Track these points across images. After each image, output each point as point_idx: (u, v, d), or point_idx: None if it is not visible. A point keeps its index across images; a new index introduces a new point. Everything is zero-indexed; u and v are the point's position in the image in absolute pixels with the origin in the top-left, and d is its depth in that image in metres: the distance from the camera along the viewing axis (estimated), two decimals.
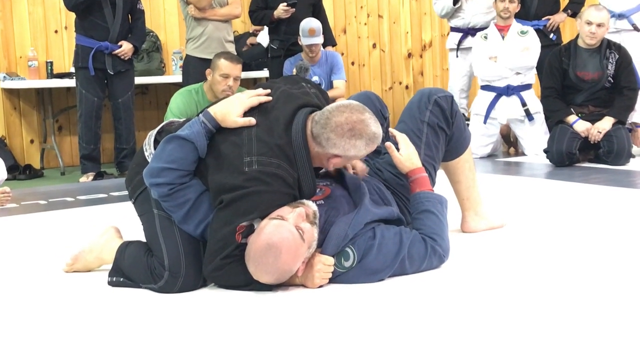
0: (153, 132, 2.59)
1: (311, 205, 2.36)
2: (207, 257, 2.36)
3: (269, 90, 2.48)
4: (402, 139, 2.68)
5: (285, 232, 2.23)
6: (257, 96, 2.45)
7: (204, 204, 2.40)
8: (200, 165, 2.41)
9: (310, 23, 5.74)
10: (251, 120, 2.39)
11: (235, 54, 5.89)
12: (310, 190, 2.42)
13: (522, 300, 2.19)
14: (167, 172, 2.37)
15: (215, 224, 2.34)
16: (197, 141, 2.37)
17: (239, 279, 2.34)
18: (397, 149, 2.65)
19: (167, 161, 2.37)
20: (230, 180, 2.31)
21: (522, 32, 5.79)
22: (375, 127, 2.39)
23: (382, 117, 2.83)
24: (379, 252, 2.40)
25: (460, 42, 6.62)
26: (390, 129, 2.75)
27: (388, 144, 2.64)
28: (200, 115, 2.43)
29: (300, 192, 2.38)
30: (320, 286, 2.38)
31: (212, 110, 2.43)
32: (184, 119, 2.63)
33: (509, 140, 6.19)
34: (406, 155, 2.63)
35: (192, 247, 2.42)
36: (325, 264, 2.36)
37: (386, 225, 2.47)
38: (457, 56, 6.70)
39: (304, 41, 5.73)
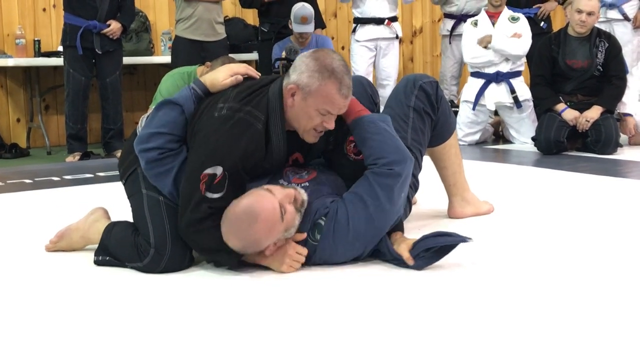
0: (146, 115, 2.61)
1: (302, 194, 2.35)
2: (180, 212, 2.36)
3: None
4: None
5: (267, 203, 2.23)
6: (246, 69, 2.53)
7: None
8: (188, 130, 2.45)
9: (303, 10, 5.59)
10: (238, 78, 2.48)
11: (225, 35, 5.86)
12: (279, 143, 2.40)
13: (507, 286, 2.20)
14: (156, 136, 2.41)
15: (183, 177, 2.36)
16: (185, 104, 2.44)
17: (210, 243, 2.32)
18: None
19: (157, 126, 2.43)
20: (198, 124, 2.38)
21: (513, 19, 5.76)
22: (338, 66, 2.34)
23: (373, 102, 2.83)
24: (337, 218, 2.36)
25: (453, 28, 6.61)
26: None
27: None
28: (191, 83, 2.51)
29: (267, 141, 2.37)
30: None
31: (202, 77, 2.53)
32: None
33: (497, 134, 6.16)
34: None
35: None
36: (299, 252, 2.35)
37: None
38: (449, 43, 6.69)
39: (295, 28, 5.63)
